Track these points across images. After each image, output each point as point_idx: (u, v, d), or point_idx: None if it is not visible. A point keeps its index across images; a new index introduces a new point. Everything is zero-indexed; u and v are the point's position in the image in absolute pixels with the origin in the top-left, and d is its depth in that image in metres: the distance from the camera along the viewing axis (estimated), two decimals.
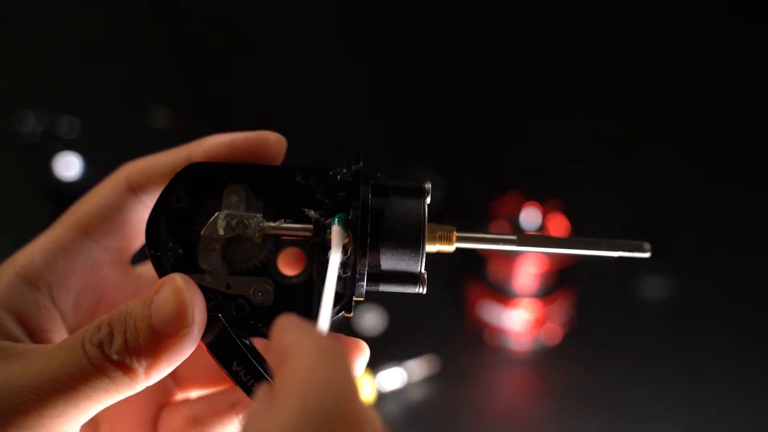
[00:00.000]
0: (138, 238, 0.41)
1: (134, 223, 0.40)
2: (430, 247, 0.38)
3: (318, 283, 0.37)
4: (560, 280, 1.01)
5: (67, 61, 1.32)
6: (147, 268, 0.44)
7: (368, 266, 0.36)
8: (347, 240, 0.36)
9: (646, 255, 0.38)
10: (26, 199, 1.11)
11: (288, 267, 0.38)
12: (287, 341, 0.28)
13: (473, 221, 1.04)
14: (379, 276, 0.37)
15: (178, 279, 0.34)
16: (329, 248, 0.36)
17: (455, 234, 0.38)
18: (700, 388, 0.98)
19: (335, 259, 0.35)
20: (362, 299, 0.37)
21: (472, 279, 1.03)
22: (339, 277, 0.36)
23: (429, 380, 0.98)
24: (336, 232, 0.36)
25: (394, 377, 0.96)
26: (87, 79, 1.28)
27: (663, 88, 1.33)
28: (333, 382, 0.26)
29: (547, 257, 0.98)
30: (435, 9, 1.44)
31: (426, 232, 0.37)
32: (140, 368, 0.33)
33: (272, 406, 0.26)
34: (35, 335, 0.37)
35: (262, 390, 0.28)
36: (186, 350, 0.34)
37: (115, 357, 0.32)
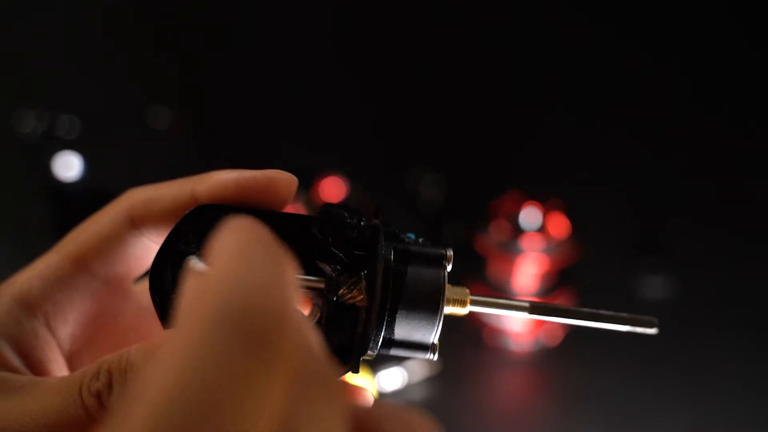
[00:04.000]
0: (138, 269, 0.39)
1: (134, 256, 0.38)
2: (444, 310, 0.36)
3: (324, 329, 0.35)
4: (560, 280, 1.01)
5: (67, 61, 1.32)
6: (147, 287, 0.43)
7: (383, 333, 0.34)
8: (361, 297, 0.34)
9: (653, 331, 0.38)
10: (26, 199, 1.11)
11: None
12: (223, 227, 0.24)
13: (473, 221, 1.04)
14: (390, 342, 0.35)
15: None
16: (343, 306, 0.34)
17: (469, 298, 0.38)
18: (700, 388, 0.98)
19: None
20: (370, 359, 0.35)
21: (472, 279, 1.03)
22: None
23: (429, 380, 0.98)
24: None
25: (394, 377, 0.96)
26: (87, 79, 1.28)
27: (663, 91, 1.33)
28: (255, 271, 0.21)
29: (546, 257, 0.98)
30: (437, 10, 1.44)
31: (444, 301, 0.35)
32: None
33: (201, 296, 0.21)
34: (33, 365, 0.36)
35: (191, 273, 0.23)
36: None
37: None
